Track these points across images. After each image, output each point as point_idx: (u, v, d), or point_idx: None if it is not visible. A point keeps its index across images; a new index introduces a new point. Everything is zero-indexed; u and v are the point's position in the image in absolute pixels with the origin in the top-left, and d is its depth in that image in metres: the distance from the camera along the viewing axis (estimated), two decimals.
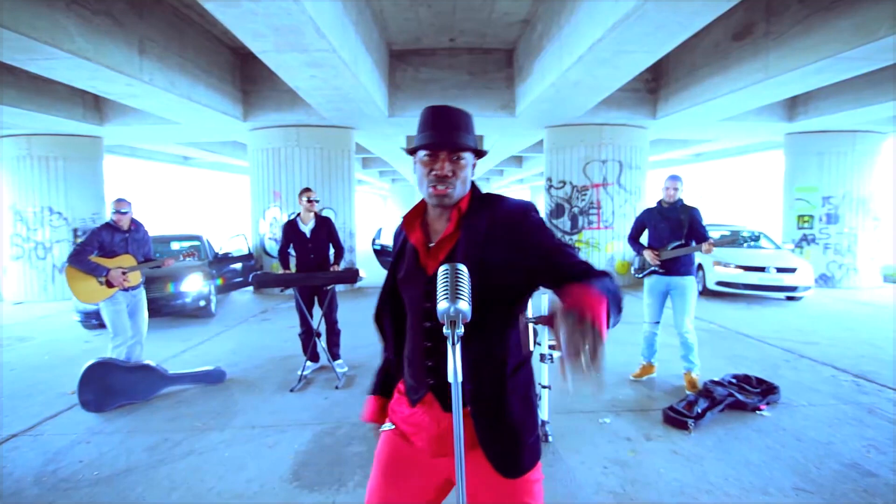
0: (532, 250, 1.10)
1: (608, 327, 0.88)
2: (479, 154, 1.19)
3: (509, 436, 1.11)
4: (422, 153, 1.14)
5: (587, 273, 1.04)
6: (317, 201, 4.30)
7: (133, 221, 3.93)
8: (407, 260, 1.21)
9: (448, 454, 1.13)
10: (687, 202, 3.86)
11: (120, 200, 3.87)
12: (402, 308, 1.25)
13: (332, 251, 4.40)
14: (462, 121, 1.16)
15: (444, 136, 1.12)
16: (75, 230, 8.86)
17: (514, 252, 1.10)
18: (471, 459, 1.08)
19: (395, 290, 1.25)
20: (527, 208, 1.16)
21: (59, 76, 5.20)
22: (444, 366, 1.07)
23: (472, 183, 1.20)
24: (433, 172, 1.12)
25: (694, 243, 3.76)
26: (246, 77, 7.92)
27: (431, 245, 1.18)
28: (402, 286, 1.22)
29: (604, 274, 1.04)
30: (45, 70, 4.96)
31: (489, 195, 1.20)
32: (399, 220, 1.29)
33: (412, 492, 1.18)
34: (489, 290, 1.07)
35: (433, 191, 1.13)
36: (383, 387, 1.33)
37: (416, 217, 1.23)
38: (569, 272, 1.05)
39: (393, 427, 1.24)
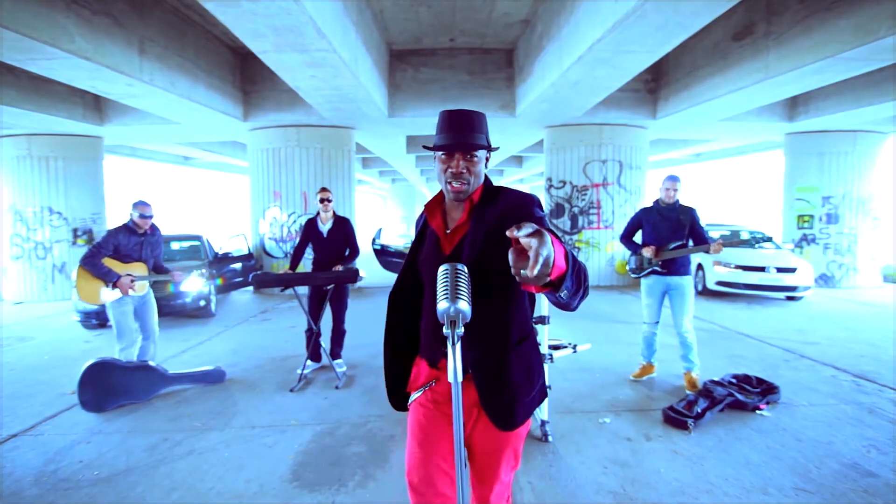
0: None
1: (572, 291, 1.00)
2: (491, 149, 1.36)
3: (508, 398, 1.28)
4: (440, 152, 1.31)
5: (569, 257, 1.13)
6: (329, 201, 4.27)
7: (151, 225, 3.90)
8: (427, 242, 1.40)
9: (464, 408, 1.30)
10: (684, 202, 3.86)
11: (144, 204, 3.81)
12: (419, 286, 1.42)
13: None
14: (475, 122, 1.31)
15: (459, 139, 1.28)
16: (75, 230, 8.87)
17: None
18: (475, 414, 1.31)
19: (414, 270, 1.42)
20: (531, 201, 1.31)
21: (59, 76, 5.20)
22: (465, 335, 1.20)
23: (485, 176, 1.37)
24: (450, 170, 1.29)
25: (692, 243, 3.76)
26: (246, 77, 7.92)
27: (448, 231, 1.37)
28: (421, 266, 1.40)
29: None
30: (45, 70, 4.96)
31: (498, 188, 1.36)
32: (422, 208, 1.47)
33: (444, 447, 1.35)
34: (493, 272, 1.23)
35: (451, 187, 1.30)
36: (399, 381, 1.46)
37: (437, 205, 1.42)
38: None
39: (419, 394, 1.40)
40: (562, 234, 9.28)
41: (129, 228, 3.80)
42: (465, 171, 1.28)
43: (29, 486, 2.52)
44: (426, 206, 1.42)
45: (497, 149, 1.39)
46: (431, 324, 1.36)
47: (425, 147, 1.43)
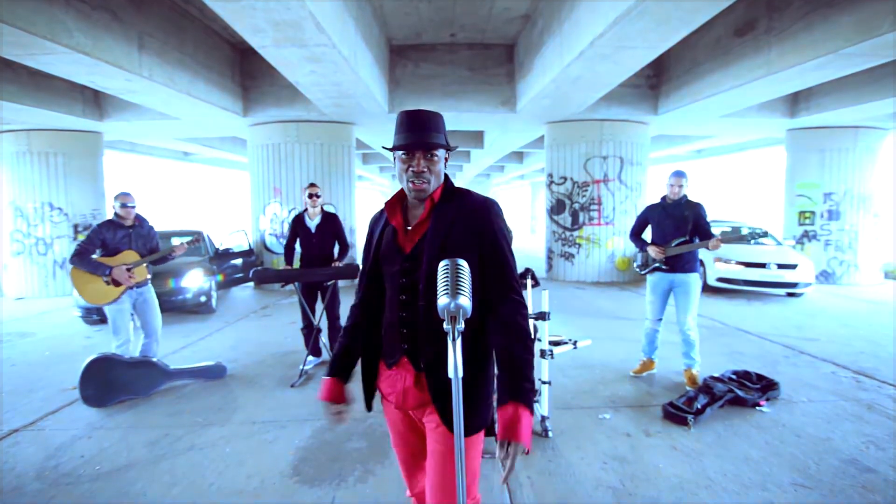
0: (486, 242, 1.30)
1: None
2: (450, 149, 1.38)
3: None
4: (400, 152, 1.31)
5: (510, 306, 1.27)
6: (318, 196, 4.28)
7: (137, 217, 3.86)
8: (387, 240, 1.40)
9: (410, 407, 1.35)
10: (691, 198, 3.84)
11: (125, 194, 3.77)
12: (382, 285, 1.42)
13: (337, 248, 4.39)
14: (433, 122, 1.32)
15: (419, 138, 1.28)
16: (76, 226, 8.86)
17: (472, 238, 1.29)
18: (429, 410, 1.32)
19: (377, 269, 1.43)
20: (490, 204, 1.34)
21: (58, 71, 5.18)
22: (417, 333, 1.30)
23: (446, 175, 1.38)
24: (411, 169, 1.30)
25: (697, 240, 3.74)
26: (245, 72, 7.89)
27: (409, 228, 1.36)
28: (382, 263, 1.40)
29: (521, 307, 1.27)
30: (44, 65, 4.95)
31: (458, 189, 1.38)
32: (381, 206, 1.46)
33: (414, 441, 1.44)
34: None
35: (412, 185, 1.30)
36: (340, 370, 1.47)
37: (398, 203, 1.41)
38: (496, 292, 1.28)
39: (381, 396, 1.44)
40: (562, 230, 9.29)
41: (114, 222, 3.76)
42: (425, 169, 1.29)
43: (31, 481, 2.53)
44: (387, 203, 1.41)
45: (456, 148, 1.40)
46: (391, 322, 1.36)
47: (385, 148, 1.49)
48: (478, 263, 1.28)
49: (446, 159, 1.37)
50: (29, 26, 3.97)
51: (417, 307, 1.29)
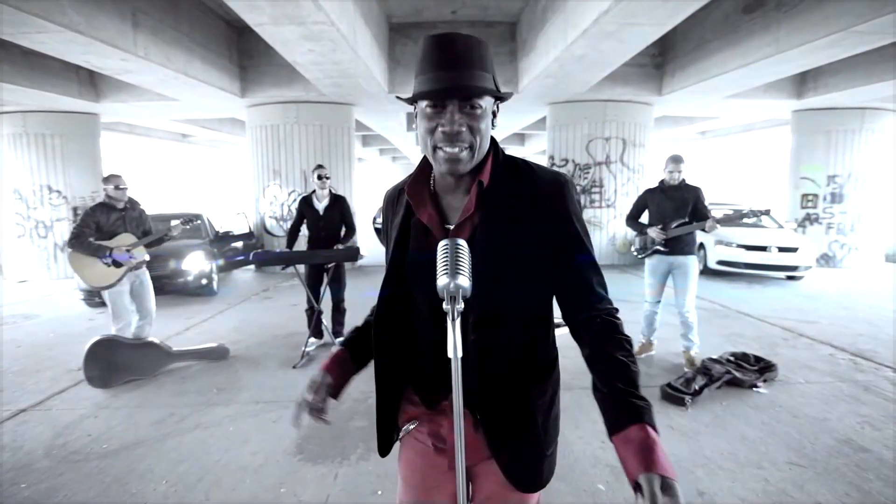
0: (563, 239, 0.93)
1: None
2: (502, 97, 0.90)
3: (528, 450, 0.98)
4: (424, 103, 0.87)
5: (600, 313, 0.92)
6: (328, 178, 4.26)
7: (128, 199, 3.85)
8: (417, 243, 0.96)
9: (473, 463, 0.99)
10: (689, 182, 3.84)
11: (117, 176, 3.77)
12: (410, 304, 1.02)
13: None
14: (475, 52, 0.86)
15: (454, 80, 0.83)
16: (75, 209, 8.82)
17: (543, 238, 0.92)
18: (484, 469, 0.99)
19: (403, 284, 0.99)
20: (563, 184, 0.94)
21: (52, 50, 5.09)
22: (469, 372, 0.89)
23: (494, 142, 0.95)
24: (441, 129, 0.85)
25: (695, 222, 3.76)
26: (243, 51, 7.75)
27: (450, 226, 0.94)
28: (410, 275, 0.97)
29: (615, 314, 0.93)
30: (37, 44, 4.85)
31: (515, 161, 0.96)
32: (394, 190, 1.05)
33: (444, 499, 1.03)
34: (513, 283, 0.91)
35: (443, 153, 0.86)
36: (355, 344, 1.13)
37: (424, 186, 0.96)
38: (580, 298, 0.94)
39: (410, 431, 1.06)
40: None
41: (106, 205, 3.74)
42: (462, 128, 0.85)
43: (40, 459, 2.58)
44: (409, 188, 0.97)
45: (510, 95, 0.93)
46: (431, 357, 0.98)
47: (401, 99, 0.97)
48: (554, 267, 0.94)
49: (495, 113, 0.92)
50: (21, 3, 3.88)
51: (468, 341, 0.88)
